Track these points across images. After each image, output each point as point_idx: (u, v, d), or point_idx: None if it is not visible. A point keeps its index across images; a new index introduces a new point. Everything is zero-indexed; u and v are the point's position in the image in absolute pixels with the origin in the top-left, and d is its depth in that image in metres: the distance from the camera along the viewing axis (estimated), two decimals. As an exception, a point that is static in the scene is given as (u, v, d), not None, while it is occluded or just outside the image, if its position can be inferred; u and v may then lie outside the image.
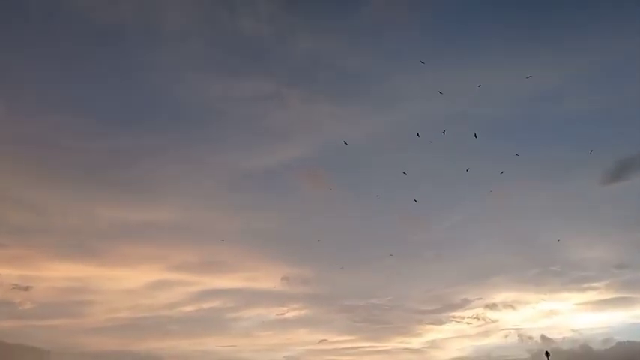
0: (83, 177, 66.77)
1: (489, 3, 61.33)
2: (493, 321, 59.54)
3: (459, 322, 60.26)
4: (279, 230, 66.55)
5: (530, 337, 55.83)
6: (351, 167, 66.82)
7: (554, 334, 55.12)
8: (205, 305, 64.20)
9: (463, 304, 60.84)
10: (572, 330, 55.97)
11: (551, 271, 59.75)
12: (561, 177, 60.19)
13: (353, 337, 61.51)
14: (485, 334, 59.65)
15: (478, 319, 59.80)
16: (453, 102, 60.52)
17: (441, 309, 61.26)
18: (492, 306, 59.86)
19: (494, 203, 62.57)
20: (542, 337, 54.87)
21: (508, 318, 59.17)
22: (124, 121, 69.26)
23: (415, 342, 60.42)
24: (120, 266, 63.68)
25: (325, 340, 60.72)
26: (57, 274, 61.00)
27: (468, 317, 60.10)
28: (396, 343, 60.80)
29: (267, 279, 65.10)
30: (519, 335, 57.00)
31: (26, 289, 58.98)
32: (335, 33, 63.68)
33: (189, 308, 63.56)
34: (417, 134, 43.93)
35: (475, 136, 44.13)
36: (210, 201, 67.32)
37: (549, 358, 40.33)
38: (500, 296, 60.34)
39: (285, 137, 66.32)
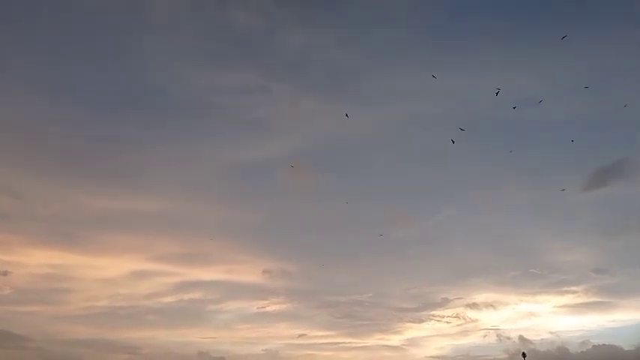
0: (66, 164, 65.75)
1: (478, 6, 61.29)
2: (473, 321, 60.29)
3: (438, 320, 60.96)
4: (264, 224, 66.41)
5: (508, 338, 56.58)
6: (338, 163, 66.88)
7: (532, 336, 55.97)
8: (186, 297, 64.13)
9: (443, 303, 61.53)
10: (550, 332, 56.90)
11: (531, 273, 60.63)
12: (543, 181, 60.70)
13: (332, 333, 61.94)
14: (465, 333, 60.41)
15: (458, 318, 60.57)
16: (441, 102, 61.00)
17: (422, 307, 61.92)
18: (472, 306, 60.58)
19: (477, 205, 63.17)
20: (521, 338, 55.63)
21: (487, 318, 59.94)
22: (109, 108, 67.95)
23: (395, 339, 61.02)
24: (100, 255, 63.24)
25: (305, 334, 61.06)
26: (37, 260, 60.46)
27: (448, 316, 60.79)
28: (375, 339, 61.33)
29: (249, 272, 65.06)
30: (498, 335, 57.75)
31: (5, 274, 58.60)
32: (326, 28, 63.30)
33: (169, 299, 63.48)
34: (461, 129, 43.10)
35: (462, 129, 44.57)
36: (194, 192, 66.81)
37: (526, 359, 41.01)
38: (480, 296, 61.12)
39: (272, 131, 65.89)
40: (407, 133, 63.87)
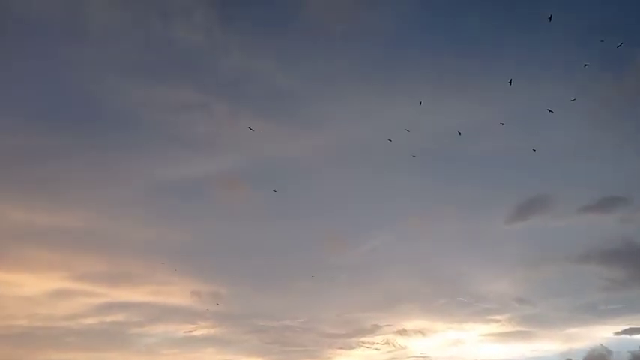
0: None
1: (420, 40, 63.44)
2: (402, 347, 60.59)
3: (368, 347, 60.91)
4: (194, 244, 64.50)
5: (436, 365, 57.53)
6: (273, 185, 66.31)
7: (459, 363, 57.35)
8: (108, 318, 61.11)
9: (373, 330, 61.73)
10: (476, 360, 58.40)
11: (459, 301, 62.08)
12: (471, 213, 62.86)
13: (262, 359, 60.72)
14: (394, 360, 60.76)
15: (388, 344, 60.74)
16: (378, 130, 62.25)
17: (352, 333, 61.80)
18: (402, 332, 61.09)
19: (411, 233, 64.35)
20: (448, 365, 56.73)
21: (416, 345, 60.58)
22: (37, 118, 64.00)
23: (325, 366, 60.53)
24: (19, 271, 59.26)
25: (233, 360, 59.59)
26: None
27: (378, 343, 60.88)
28: (305, 366, 60.57)
29: (177, 294, 62.78)
30: (426, 363, 58.54)
31: None
32: (269, 51, 63.37)
33: (90, 320, 60.26)
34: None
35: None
36: (123, 209, 64.14)
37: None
38: (410, 324, 61.86)
39: (208, 150, 64.79)
40: (345, 159, 64.51)
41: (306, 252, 63.64)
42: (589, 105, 59.08)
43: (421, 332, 60.90)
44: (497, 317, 60.89)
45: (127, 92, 63.31)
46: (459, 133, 46.16)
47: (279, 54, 64.12)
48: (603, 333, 57.56)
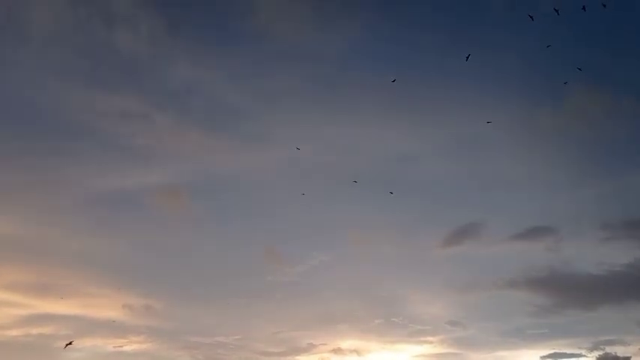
0: None
1: (366, 66, 64.50)
2: (337, 366, 60.98)
3: (303, 366, 60.94)
4: (128, 256, 62.97)
5: (370, 384, 57.86)
6: (215, 199, 65.76)
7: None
8: (34, 331, 58.56)
9: (309, 349, 61.63)
10: (409, 380, 59.10)
11: (393, 322, 62.84)
12: (407, 236, 64.08)
13: (194, 376, 59.62)
14: (326, 379, 60.80)
15: (322, 364, 60.90)
16: (320, 150, 62.95)
17: (287, 352, 61.42)
18: (337, 351, 61.17)
19: (349, 254, 64.94)
20: (381, 385, 57.19)
21: (350, 365, 61.01)
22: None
23: (257, 384, 59.93)
24: (-62, 278, 56.66)
25: (162, 377, 58.18)
26: None
27: (313, 362, 61.05)
28: (237, 384, 59.82)
29: (108, 307, 60.72)
30: (361, 382, 58.80)
31: None
32: (216, 64, 63.03)
33: (15, 332, 57.60)
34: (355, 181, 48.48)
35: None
36: (55, 217, 61.92)
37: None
38: (345, 343, 61.99)
39: (149, 160, 63.55)
40: (288, 177, 64.59)
41: (243, 268, 63.21)
42: (525, 138, 62.02)
43: (356, 352, 61.25)
44: (430, 339, 61.99)
45: (67, 98, 61.61)
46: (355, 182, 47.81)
47: (226, 68, 63.91)
48: (530, 357, 59.26)
